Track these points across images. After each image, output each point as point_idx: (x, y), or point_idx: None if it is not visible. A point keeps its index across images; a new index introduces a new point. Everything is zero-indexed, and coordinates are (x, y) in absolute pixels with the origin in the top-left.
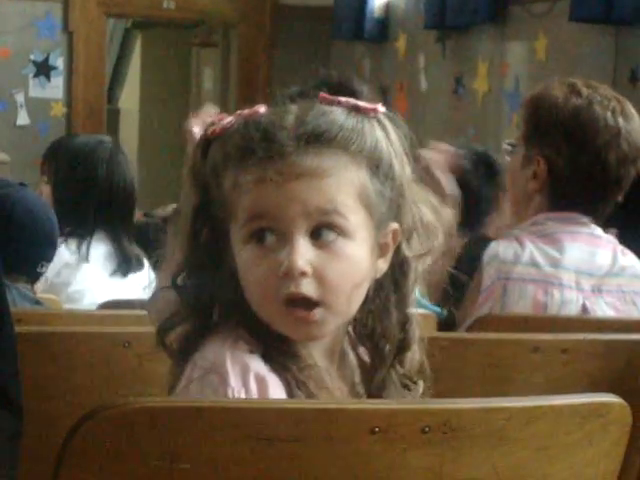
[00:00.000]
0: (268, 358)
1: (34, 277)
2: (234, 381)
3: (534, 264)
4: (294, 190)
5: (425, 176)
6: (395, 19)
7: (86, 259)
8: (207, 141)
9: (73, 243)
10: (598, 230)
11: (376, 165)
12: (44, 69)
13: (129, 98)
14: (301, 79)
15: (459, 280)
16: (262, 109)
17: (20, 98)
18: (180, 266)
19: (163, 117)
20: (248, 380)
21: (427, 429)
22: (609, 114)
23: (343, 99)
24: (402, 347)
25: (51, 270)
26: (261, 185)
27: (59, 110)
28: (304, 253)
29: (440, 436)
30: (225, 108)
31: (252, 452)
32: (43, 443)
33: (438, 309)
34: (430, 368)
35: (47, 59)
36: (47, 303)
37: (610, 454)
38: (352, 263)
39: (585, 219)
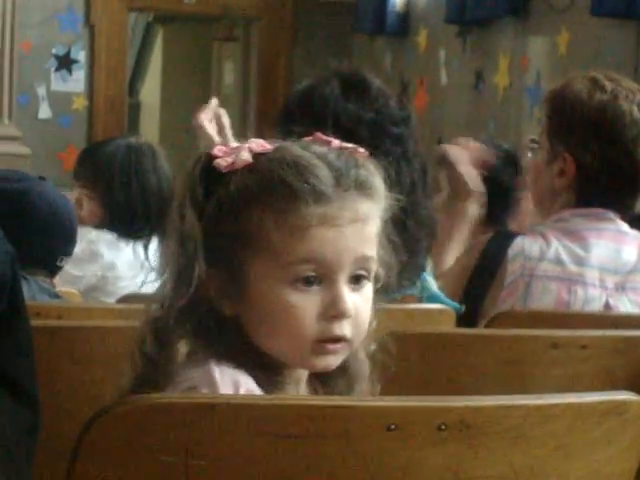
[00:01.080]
0: (253, 378)
1: (53, 271)
2: (226, 392)
3: (559, 262)
4: (349, 237)
5: (449, 172)
6: (416, 13)
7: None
8: (214, 171)
9: (139, 247)
10: (624, 226)
11: (384, 209)
12: (66, 62)
13: (150, 92)
14: (321, 73)
15: (481, 275)
16: (289, 148)
17: (42, 91)
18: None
19: (184, 111)
20: (239, 393)
21: (443, 427)
22: (635, 108)
23: (335, 141)
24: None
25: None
26: (318, 229)
27: (80, 104)
28: (349, 297)
29: (456, 434)
30: (245, 102)
31: (267, 449)
32: (59, 437)
33: (456, 305)
34: (447, 364)
35: (69, 53)
36: (66, 297)
37: (629, 452)
38: (370, 304)
39: (612, 215)
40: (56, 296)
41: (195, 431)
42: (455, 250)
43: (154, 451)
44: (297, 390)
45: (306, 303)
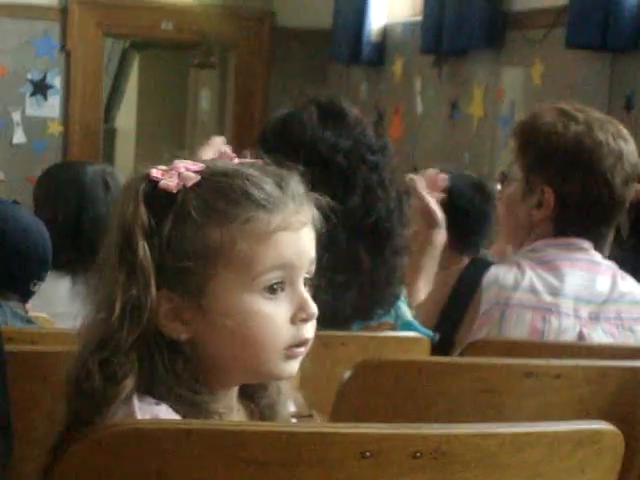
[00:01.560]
0: (175, 409)
1: (26, 295)
2: None
3: (533, 291)
4: (305, 240)
5: (418, 202)
6: (392, 43)
7: None
8: (160, 194)
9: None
10: (598, 256)
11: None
12: (41, 88)
13: (126, 118)
14: (297, 101)
15: (456, 304)
16: (226, 164)
17: (17, 116)
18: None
19: (160, 137)
20: None
21: (418, 454)
22: (610, 137)
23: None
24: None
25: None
26: (281, 235)
27: (55, 129)
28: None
29: (432, 462)
30: (221, 129)
31: (242, 475)
32: (32, 464)
33: (430, 333)
34: (422, 392)
35: (44, 78)
36: (39, 322)
37: None
38: None
39: (586, 244)
40: (29, 322)
41: (170, 457)
42: (426, 278)
43: (129, 478)
44: (234, 415)
45: (277, 310)
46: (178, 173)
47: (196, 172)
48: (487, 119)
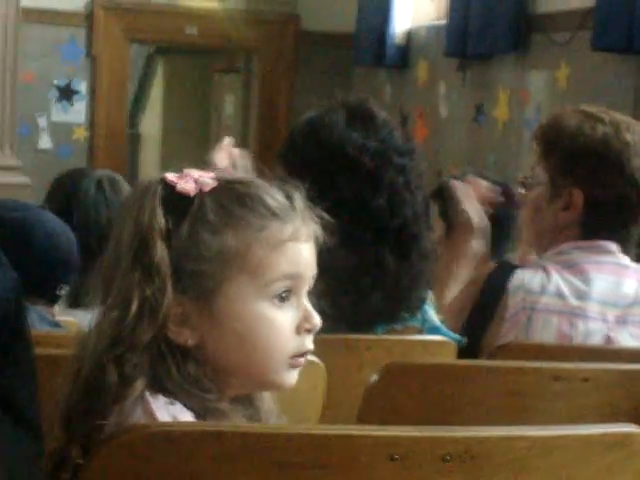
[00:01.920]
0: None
1: (53, 300)
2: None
3: (560, 295)
4: (310, 252)
5: (452, 207)
6: (416, 46)
7: None
8: (177, 198)
9: None
10: (625, 259)
11: None
12: (67, 93)
13: (150, 123)
14: (322, 105)
15: (482, 308)
16: (236, 174)
17: (43, 122)
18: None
19: (184, 142)
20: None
21: (448, 457)
22: (637, 138)
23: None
24: None
25: None
26: (292, 245)
27: (81, 134)
28: None
29: (461, 464)
30: (246, 133)
31: (272, 478)
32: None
33: (458, 337)
34: (449, 396)
35: (70, 84)
36: (66, 326)
37: None
38: None
39: (613, 247)
40: (56, 325)
41: (199, 460)
42: (457, 286)
43: None
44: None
45: (284, 318)
46: (194, 179)
47: (211, 178)
48: (512, 122)
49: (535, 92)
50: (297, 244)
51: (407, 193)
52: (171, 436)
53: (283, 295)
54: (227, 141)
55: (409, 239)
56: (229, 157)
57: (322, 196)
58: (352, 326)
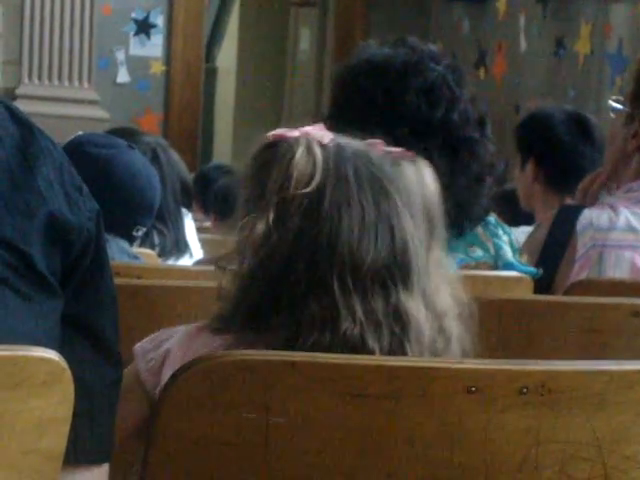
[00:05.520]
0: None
1: (129, 240)
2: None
3: (630, 229)
4: None
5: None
6: None
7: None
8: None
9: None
10: None
11: None
12: (144, 27)
13: (227, 57)
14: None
15: (550, 250)
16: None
17: (120, 56)
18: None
19: (260, 76)
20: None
21: (525, 390)
22: None
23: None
24: None
25: None
26: None
27: (158, 68)
28: None
29: (538, 398)
30: (320, 69)
31: (346, 408)
32: None
33: (532, 269)
34: (526, 331)
35: (148, 17)
36: (144, 257)
37: None
38: None
39: None
40: (135, 257)
41: (276, 389)
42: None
43: (235, 408)
44: None
45: None
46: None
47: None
48: (594, 56)
49: (617, 26)
50: None
51: (447, 90)
52: (247, 364)
53: None
54: None
55: (459, 142)
56: None
57: None
58: None
